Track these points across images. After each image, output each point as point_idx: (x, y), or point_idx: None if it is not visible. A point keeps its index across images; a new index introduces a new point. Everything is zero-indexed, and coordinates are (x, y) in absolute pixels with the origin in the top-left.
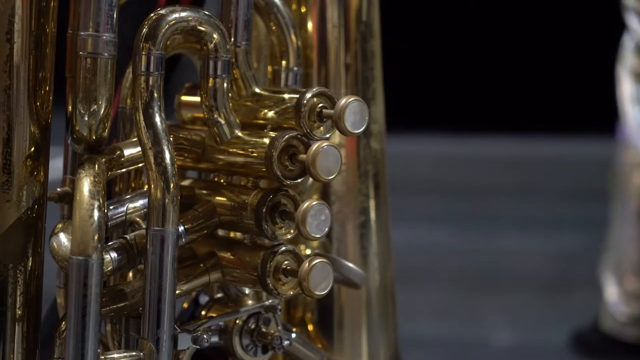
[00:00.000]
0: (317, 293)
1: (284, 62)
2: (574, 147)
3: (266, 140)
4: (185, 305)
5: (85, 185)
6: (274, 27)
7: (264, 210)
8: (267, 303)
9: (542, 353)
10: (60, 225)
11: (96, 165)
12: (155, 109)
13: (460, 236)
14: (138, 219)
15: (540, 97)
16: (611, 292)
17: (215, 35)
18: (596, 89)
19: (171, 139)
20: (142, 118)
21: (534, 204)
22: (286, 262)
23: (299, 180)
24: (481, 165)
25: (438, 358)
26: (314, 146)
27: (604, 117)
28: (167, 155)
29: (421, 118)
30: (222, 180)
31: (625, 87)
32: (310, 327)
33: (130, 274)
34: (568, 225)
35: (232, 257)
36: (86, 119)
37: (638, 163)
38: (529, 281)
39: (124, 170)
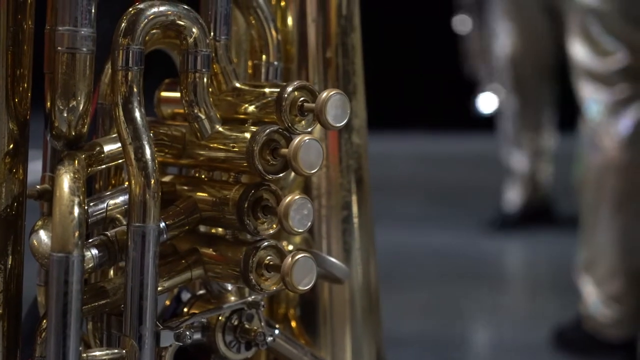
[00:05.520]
0: (300, 288)
1: (264, 57)
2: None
3: (247, 135)
4: (167, 302)
5: (65, 182)
6: (253, 22)
7: (245, 205)
8: (250, 299)
9: (525, 351)
10: (40, 223)
11: (76, 162)
12: (135, 104)
13: (444, 236)
14: (119, 216)
15: None
16: (589, 293)
17: (194, 30)
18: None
19: (151, 134)
20: (121, 113)
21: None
22: (269, 258)
23: (281, 175)
24: (463, 164)
25: (421, 356)
26: (296, 140)
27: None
28: (148, 151)
29: (404, 116)
30: (203, 176)
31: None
32: (293, 324)
33: (112, 271)
34: (551, 224)
35: (214, 253)
36: (65, 114)
37: (608, 165)
38: (513, 280)
39: (104, 166)
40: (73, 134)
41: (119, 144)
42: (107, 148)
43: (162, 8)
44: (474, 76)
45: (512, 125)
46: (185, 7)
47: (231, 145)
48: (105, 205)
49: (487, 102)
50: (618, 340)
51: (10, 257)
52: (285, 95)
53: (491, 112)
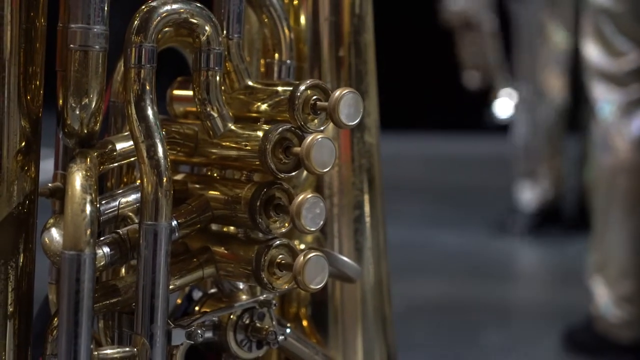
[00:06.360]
0: (312, 287)
1: (276, 55)
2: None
3: (260, 133)
4: (179, 300)
5: (77, 180)
6: (266, 20)
7: (258, 203)
8: (261, 298)
9: (535, 352)
10: (51, 221)
11: (88, 160)
12: (148, 102)
13: (453, 237)
14: (130, 214)
15: None
16: (601, 294)
17: (207, 28)
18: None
19: (164, 132)
20: (134, 111)
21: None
22: (281, 256)
23: (294, 173)
24: (473, 165)
25: (430, 356)
26: (308, 139)
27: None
28: (160, 149)
29: (413, 117)
30: (215, 174)
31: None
32: (304, 323)
33: (123, 270)
34: (562, 224)
35: (226, 251)
36: (77, 112)
37: (620, 166)
38: (523, 281)
39: (116, 164)
40: (85, 131)
41: (131, 142)
42: (119, 146)
43: (175, 6)
44: (486, 82)
45: (526, 131)
46: (198, 5)
47: (243, 143)
48: (117, 203)
49: (503, 107)
50: (629, 341)
51: (22, 255)
52: (298, 94)
53: (507, 116)
